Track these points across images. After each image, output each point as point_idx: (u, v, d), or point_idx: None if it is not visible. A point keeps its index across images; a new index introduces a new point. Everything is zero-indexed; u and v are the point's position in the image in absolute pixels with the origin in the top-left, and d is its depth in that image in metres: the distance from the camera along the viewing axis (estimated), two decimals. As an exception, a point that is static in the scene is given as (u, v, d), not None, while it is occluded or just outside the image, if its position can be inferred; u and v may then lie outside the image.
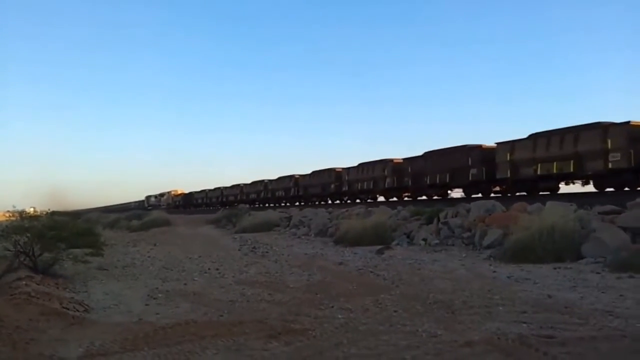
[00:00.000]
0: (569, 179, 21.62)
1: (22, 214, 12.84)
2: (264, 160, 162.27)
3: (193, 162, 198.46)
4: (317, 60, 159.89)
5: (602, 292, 7.98)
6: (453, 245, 14.95)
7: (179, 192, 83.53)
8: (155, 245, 21.95)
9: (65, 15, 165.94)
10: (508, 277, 9.74)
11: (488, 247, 13.37)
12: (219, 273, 12.27)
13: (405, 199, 30.82)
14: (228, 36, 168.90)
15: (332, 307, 7.82)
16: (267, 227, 27.87)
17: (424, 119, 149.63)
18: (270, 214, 31.84)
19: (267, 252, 17.06)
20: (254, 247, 18.70)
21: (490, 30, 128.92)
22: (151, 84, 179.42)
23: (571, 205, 13.86)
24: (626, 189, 18.97)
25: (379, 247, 15.64)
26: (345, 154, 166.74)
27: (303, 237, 22.66)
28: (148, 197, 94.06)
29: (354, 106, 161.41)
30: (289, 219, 28.88)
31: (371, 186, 34.32)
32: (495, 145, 24.29)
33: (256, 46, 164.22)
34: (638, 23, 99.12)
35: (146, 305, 8.70)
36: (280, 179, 48.70)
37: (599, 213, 13.13)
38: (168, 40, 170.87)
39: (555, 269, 10.37)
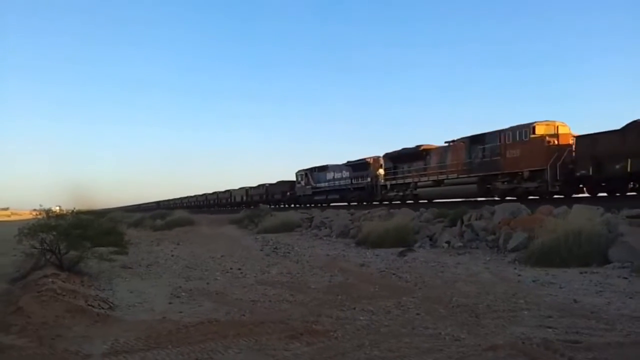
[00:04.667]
0: None
1: (48, 213, 13.04)
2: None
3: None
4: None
5: (630, 298, 7.82)
6: (477, 248, 14.78)
7: None
8: (178, 244, 22.16)
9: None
10: (533, 281, 9.59)
11: (513, 250, 13.20)
12: (241, 273, 12.34)
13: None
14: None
15: (354, 308, 7.80)
16: (288, 227, 27.95)
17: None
18: (292, 215, 31.91)
19: (288, 252, 17.09)
20: (276, 248, 18.76)
21: (482, 30, 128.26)
22: (161, 81, 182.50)
23: (598, 208, 13.61)
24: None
25: (401, 249, 15.54)
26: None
27: (325, 238, 22.66)
28: (311, 174, 44.24)
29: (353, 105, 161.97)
30: (311, 219, 28.91)
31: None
32: None
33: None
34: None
35: (170, 303, 8.79)
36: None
37: (626, 217, 12.86)
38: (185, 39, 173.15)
39: (581, 273, 10.18)
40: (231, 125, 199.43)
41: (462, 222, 16.76)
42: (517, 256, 12.43)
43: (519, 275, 10.42)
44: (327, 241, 21.24)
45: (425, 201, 28.10)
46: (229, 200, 65.62)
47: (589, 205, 14.07)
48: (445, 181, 26.94)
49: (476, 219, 16.54)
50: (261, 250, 18.45)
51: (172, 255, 17.08)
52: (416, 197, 29.53)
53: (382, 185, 33.41)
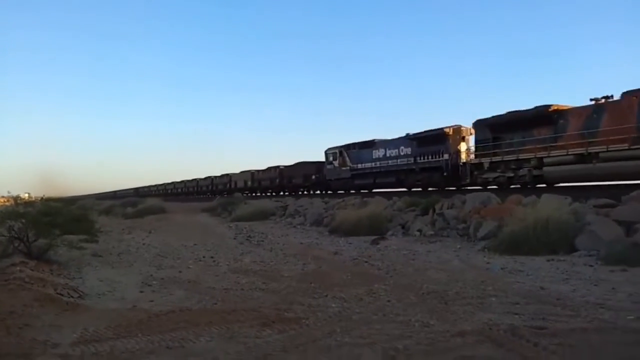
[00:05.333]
0: None
1: (16, 200, 12.80)
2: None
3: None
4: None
5: (595, 285, 8.02)
6: (448, 236, 14.99)
7: None
8: (150, 232, 21.95)
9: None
10: (502, 269, 9.79)
11: (483, 238, 13.42)
12: (214, 261, 12.29)
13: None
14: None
15: (326, 296, 7.85)
16: (262, 216, 27.91)
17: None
18: (266, 203, 31.85)
19: (262, 240, 17.08)
20: (249, 236, 18.72)
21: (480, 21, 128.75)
22: (146, 72, 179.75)
23: (566, 198, 13.90)
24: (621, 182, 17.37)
25: (374, 237, 15.69)
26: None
27: (299, 226, 22.69)
28: (348, 152, 34.46)
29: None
30: (285, 208, 28.91)
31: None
32: None
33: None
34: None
35: (140, 292, 8.71)
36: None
37: (593, 206, 13.17)
38: (165, 31, 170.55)
39: (548, 261, 10.42)
40: (226, 113, 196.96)
41: (434, 210, 16.97)
42: (486, 244, 12.65)
43: (488, 263, 10.61)
44: (301, 229, 21.28)
45: (544, 185, 19.94)
46: (228, 186, 54.07)
47: (558, 195, 14.36)
48: (602, 155, 17.44)
49: (448, 208, 16.77)
50: (234, 238, 18.40)
51: (144, 244, 16.91)
52: (537, 180, 20.17)
53: (473, 163, 23.31)
